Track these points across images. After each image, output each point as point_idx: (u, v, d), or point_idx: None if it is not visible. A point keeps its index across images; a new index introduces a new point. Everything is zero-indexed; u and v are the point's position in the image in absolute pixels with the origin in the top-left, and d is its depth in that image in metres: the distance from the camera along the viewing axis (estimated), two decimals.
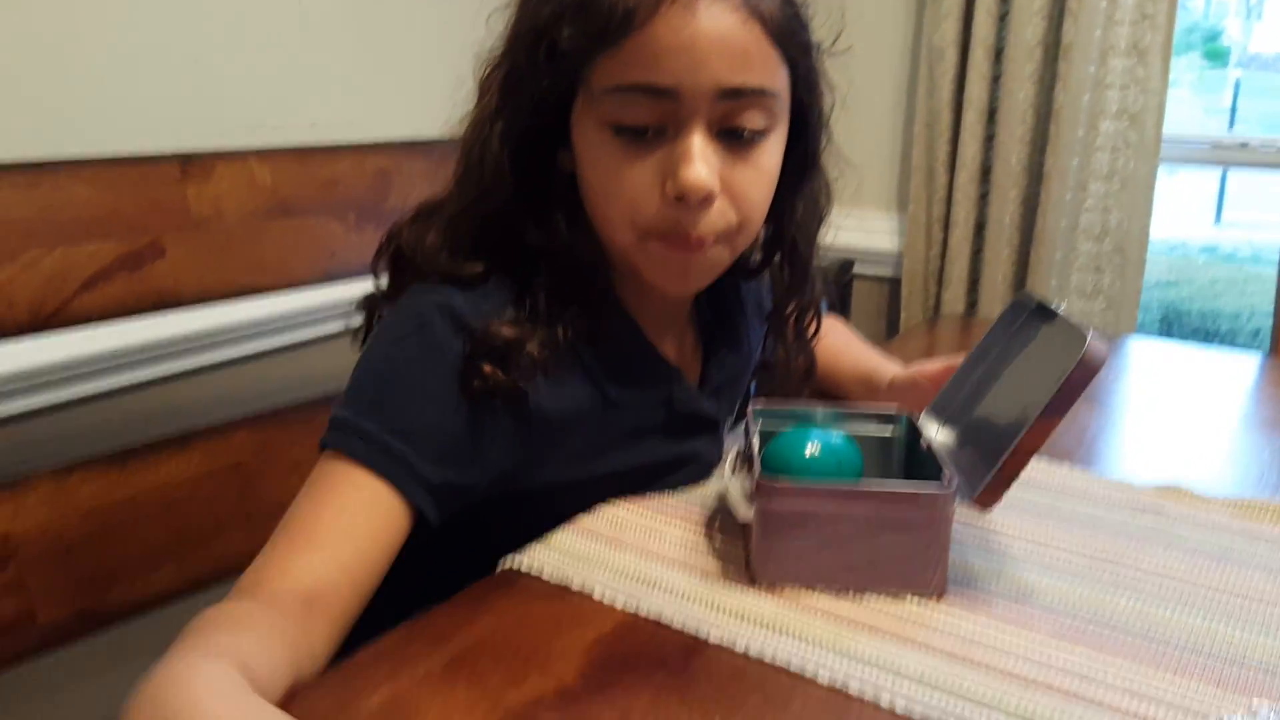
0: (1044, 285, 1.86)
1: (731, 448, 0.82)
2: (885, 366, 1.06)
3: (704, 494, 0.86)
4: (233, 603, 0.62)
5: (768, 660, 0.63)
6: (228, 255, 1.06)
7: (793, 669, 0.62)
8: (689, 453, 0.87)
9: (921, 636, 0.66)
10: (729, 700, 0.59)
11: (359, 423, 0.70)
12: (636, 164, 0.72)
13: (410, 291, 0.77)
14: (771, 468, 0.74)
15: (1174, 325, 2.93)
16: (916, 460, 0.80)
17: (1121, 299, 1.87)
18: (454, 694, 0.59)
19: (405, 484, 0.69)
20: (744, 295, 0.94)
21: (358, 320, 0.85)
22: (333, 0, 1.52)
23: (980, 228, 1.96)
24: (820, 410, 0.84)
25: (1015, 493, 0.72)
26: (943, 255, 2.00)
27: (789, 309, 0.91)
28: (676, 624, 0.66)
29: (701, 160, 0.71)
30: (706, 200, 0.72)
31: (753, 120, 0.72)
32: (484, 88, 0.77)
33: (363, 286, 0.86)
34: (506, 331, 0.73)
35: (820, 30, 0.77)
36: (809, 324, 0.94)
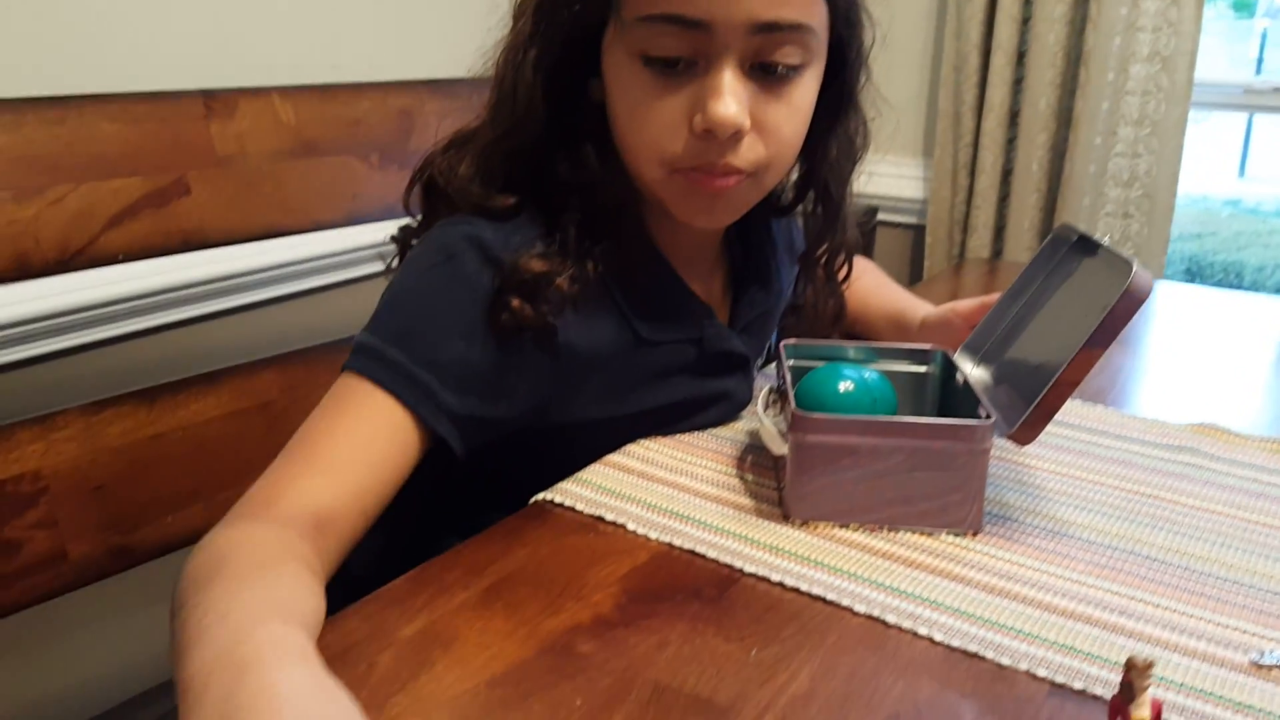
0: None
1: (763, 386, 0.82)
2: (917, 306, 1.05)
3: (735, 431, 0.85)
4: (254, 527, 0.60)
5: (804, 591, 0.63)
6: (252, 195, 1.05)
7: (829, 600, 0.62)
8: (719, 391, 0.86)
9: (958, 570, 0.65)
10: (765, 630, 0.59)
11: (384, 349, 0.69)
12: (666, 97, 0.71)
13: (441, 223, 0.76)
14: (805, 404, 0.73)
15: (1198, 277, 2.91)
16: (951, 398, 0.79)
17: (1150, 246, 1.85)
18: (491, 622, 0.59)
19: (429, 413, 0.69)
20: (775, 234, 0.93)
21: (391, 256, 0.84)
22: None
23: (1007, 174, 1.94)
24: (853, 348, 0.83)
25: (1050, 429, 0.71)
26: (968, 202, 1.98)
27: (820, 251, 0.90)
28: (710, 556, 0.66)
29: (731, 95, 0.69)
30: (735, 136, 0.71)
31: (788, 55, 0.70)
32: (518, 13, 0.75)
33: (385, 229, 0.84)
34: (536, 265, 0.72)
35: None
36: (840, 268, 0.92)
